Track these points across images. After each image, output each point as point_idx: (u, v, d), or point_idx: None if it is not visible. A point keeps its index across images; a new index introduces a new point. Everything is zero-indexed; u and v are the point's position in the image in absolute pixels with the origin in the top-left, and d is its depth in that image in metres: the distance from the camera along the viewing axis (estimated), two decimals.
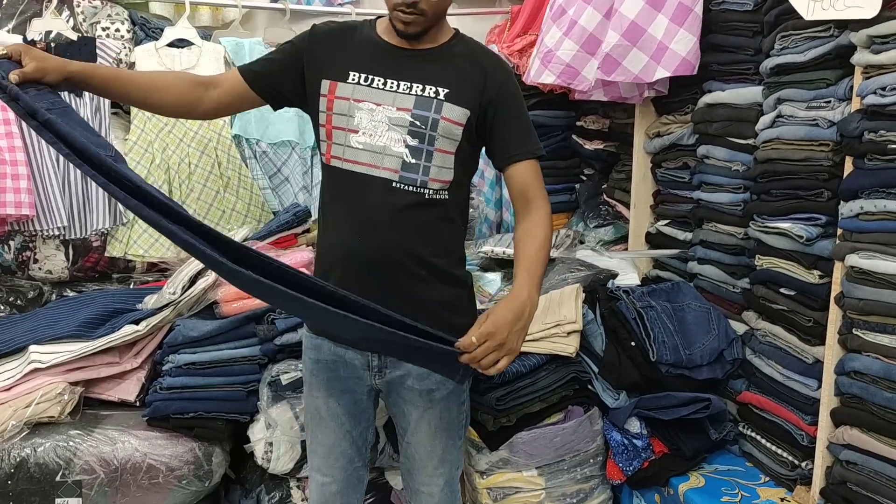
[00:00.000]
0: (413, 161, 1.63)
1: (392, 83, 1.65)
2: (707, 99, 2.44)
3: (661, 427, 2.29)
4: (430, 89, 1.63)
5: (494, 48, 3.21)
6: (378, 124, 1.64)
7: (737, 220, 2.34)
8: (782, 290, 2.14)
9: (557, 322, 2.34)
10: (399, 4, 1.57)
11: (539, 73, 2.73)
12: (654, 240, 2.80)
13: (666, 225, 2.72)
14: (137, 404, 2.41)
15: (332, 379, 1.79)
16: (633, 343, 2.35)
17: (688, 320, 2.42)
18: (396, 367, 1.75)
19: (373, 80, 1.66)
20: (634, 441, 2.28)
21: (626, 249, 2.90)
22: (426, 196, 1.65)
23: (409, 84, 1.64)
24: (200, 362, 2.37)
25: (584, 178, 3.31)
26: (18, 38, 2.60)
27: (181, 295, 2.44)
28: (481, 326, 1.48)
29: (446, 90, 1.63)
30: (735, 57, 2.33)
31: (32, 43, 2.63)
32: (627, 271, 2.70)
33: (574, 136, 3.28)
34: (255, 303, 2.46)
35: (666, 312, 2.41)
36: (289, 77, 1.72)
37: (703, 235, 2.50)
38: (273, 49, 1.93)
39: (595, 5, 2.55)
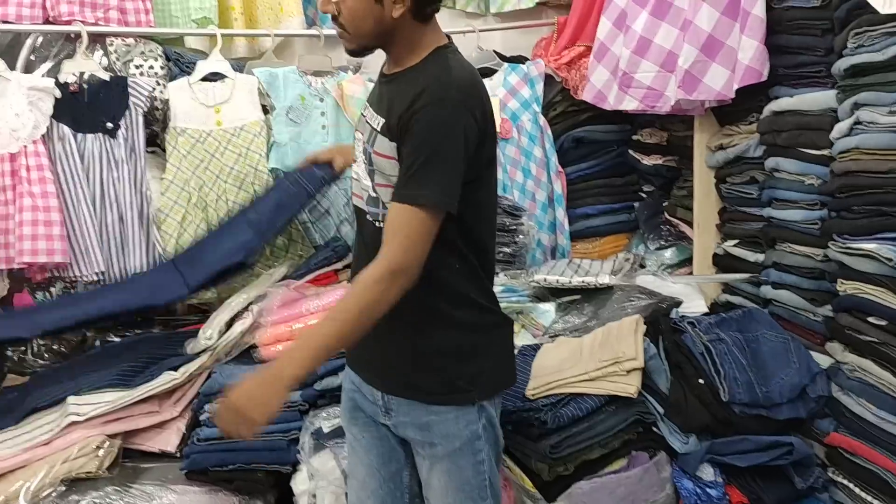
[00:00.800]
0: (373, 195, 1.55)
1: (370, 111, 1.58)
2: (773, 106, 2.22)
3: (738, 474, 2.07)
4: (378, 120, 1.52)
5: (541, 62, 3.04)
6: (359, 154, 1.60)
7: (814, 240, 2.11)
8: (871, 318, 1.91)
9: (615, 359, 2.15)
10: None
11: (619, 100, 2.61)
12: (721, 262, 2.57)
13: (734, 245, 2.49)
14: (178, 455, 2.32)
15: (354, 409, 1.73)
16: (700, 381, 2.13)
17: (763, 353, 2.19)
18: (400, 411, 1.61)
19: (367, 107, 1.61)
20: (708, 490, 2.06)
21: (691, 273, 2.67)
22: None
23: (374, 114, 1.56)
24: None
25: (644, 196, 3.10)
26: (51, 81, 2.56)
27: (217, 339, 2.34)
28: (227, 395, 1.39)
29: (383, 120, 1.50)
30: (803, 59, 2.12)
31: (66, 85, 2.59)
32: (693, 298, 2.49)
33: (630, 151, 3.08)
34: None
35: (737, 345, 2.19)
36: None
37: (777, 257, 2.27)
38: None
39: (671, 20, 2.39)
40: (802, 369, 2.13)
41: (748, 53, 2.14)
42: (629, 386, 2.11)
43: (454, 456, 1.58)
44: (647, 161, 2.97)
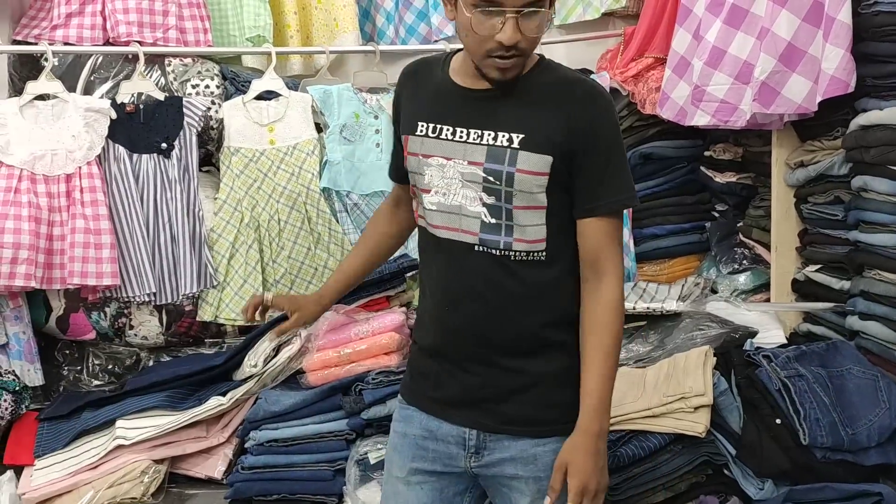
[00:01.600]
0: (493, 221, 1.40)
1: (462, 132, 1.41)
2: (861, 120, 2.02)
3: None
4: (503, 136, 1.38)
5: (606, 75, 2.89)
6: (451, 181, 1.43)
7: None
8: None
9: (682, 394, 1.98)
10: (495, 50, 1.32)
11: (692, 116, 2.43)
12: (802, 289, 2.37)
13: (817, 271, 2.29)
14: (224, 481, 2.29)
15: (418, 458, 1.52)
16: (777, 420, 1.94)
17: (848, 390, 1.98)
18: (498, 448, 1.47)
19: (441, 129, 1.43)
20: None
21: (768, 300, 2.47)
22: (513, 259, 1.41)
23: (479, 132, 1.40)
24: (283, 439, 2.23)
25: (716, 216, 2.90)
26: (107, 102, 2.56)
27: (263, 367, 2.28)
28: (571, 489, 1.35)
29: (521, 135, 1.37)
30: (893, 68, 1.91)
31: (122, 106, 2.59)
32: (770, 328, 2.30)
33: (702, 168, 2.89)
34: (341, 371, 2.27)
35: (819, 381, 1.98)
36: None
37: (865, 285, 2.06)
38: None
39: (747, 29, 2.23)
40: (893, 410, 1.92)
41: (833, 63, 1.96)
42: (696, 424, 1.94)
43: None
44: (721, 178, 2.78)
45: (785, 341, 2.26)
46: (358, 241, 1.87)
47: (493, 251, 1.41)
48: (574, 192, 1.40)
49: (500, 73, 1.35)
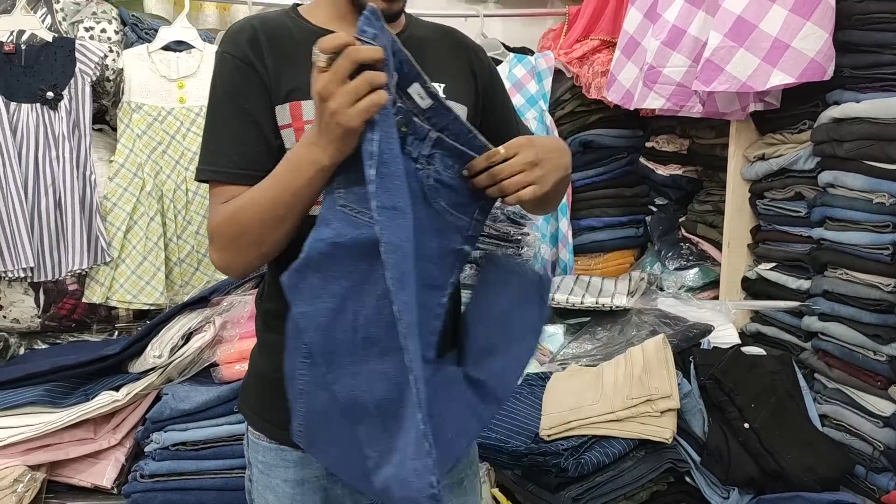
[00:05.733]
0: None
1: None
2: (834, 112, 1.93)
3: None
4: None
5: (551, 55, 2.72)
6: None
7: (883, 268, 1.82)
8: None
9: (647, 397, 1.83)
10: None
11: (643, 97, 2.28)
12: (753, 287, 2.28)
13: (771, 269, 2.20)
14: (115, 491, 1.97)
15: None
16: (746, 424, 1.83)
17: None
18: None
19: None
20: None
21: (716, 298, 2.37)
22: None
23: None
24: (193, 441, 1.92)
25: (655, 210, 2.79)
26: None
27: (170, 357, 1.95)
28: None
29: (442, 85, 1.18)
30: (878, 59, 1.84)
31: None
32: (723, 324, 2.19)
33: (642, 160, 2.77)
34: None
35: None
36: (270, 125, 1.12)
37: (829, 285, 1.98)
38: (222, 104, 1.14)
39: (707, 7, 2.09)
40: None
41: (815, 44, 1.85)
42: (663, 429, 1.80)
43: None
44: (663, 171, 2.67)
45: (739, 340, 2.16)
46: None
47: None
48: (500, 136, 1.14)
49: (387, 2, 1.11)
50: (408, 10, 1.20)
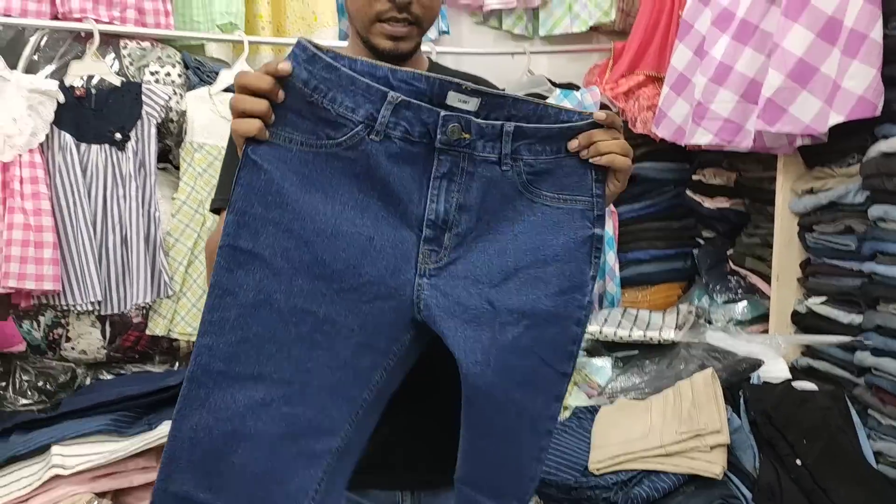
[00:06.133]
0: None
1: None
2: (883, 147, 1.93)
3: None
4: None
5: (596, 90, 2.77)
6: None
7: None
8: None
9: (697, 432, 1.84)
10: (385, 12, 1.18)
11: (692, 135, 2.31)
12: (803, 321, 2.27)
13: (822, 304, 2.19)
14: None
15: None
16: (798, 461, 1.82)
17: None
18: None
19: None
20: None
21: (766, 332, 2.36)
22: None
23: None
24: None
25: (702, 243, 2.80)
26: (55, 84, 2.26)
27: None
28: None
29: None
30: None
31: (71, 89, 2.30)
32: (774, 360, 2.18)
33: (689, 192, 2.79)
34: None
35: None
36: None
37: (882, 320, 1.96)
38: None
39: (755, 45, 2.12)
40: None
41: (863, 82, 1.86)
42: (713, 465, 1.80)
43: None
44: (710, 204, 2.68)
45: (790, 375, 2.15)
46: None
47: None
48: None
49: (391, 42, 1.19)
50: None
